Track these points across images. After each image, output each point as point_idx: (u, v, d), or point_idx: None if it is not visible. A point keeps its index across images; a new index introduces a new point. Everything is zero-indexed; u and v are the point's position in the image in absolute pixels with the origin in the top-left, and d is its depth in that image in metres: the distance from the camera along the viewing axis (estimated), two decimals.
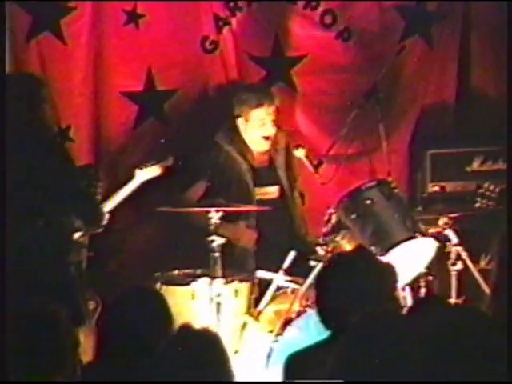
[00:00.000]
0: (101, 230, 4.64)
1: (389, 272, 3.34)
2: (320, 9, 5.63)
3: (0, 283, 3.84)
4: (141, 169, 5.06)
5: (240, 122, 5.18)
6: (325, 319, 3.34)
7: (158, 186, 5.15)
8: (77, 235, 4.58)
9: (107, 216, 4.72)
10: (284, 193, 5.24)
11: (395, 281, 3.37)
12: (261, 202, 5.14)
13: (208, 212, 4.72)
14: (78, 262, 4.62)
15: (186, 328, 2.98)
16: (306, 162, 5.15)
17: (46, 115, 4.43)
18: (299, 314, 4.55)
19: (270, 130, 5.14)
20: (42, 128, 4.42)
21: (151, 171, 5.07)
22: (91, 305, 5.16)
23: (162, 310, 3.26)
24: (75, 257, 4.57)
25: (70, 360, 3.01)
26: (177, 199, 5.08)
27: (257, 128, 5.14)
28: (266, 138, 5.16)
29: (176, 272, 4.89)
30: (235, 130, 5.21)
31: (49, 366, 2.92)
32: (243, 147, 5.20)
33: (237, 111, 5.20)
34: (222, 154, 5.18)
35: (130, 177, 5.10)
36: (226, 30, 5.61)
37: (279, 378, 3.44)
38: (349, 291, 3.24)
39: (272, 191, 5.23)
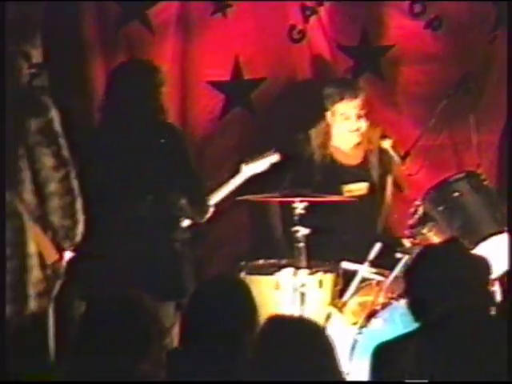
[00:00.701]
0: (203, 219, 4.68)
1: (482, 265, 3.26)
2: None
3: (0, 283, 3.94)
4: (247, 164, 5.06)
5: (328, 116, 5.15)
6: (414, 312, 3.28)
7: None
8: (185, 223, 4.66)
9: (211, 209, 4.75)
10: (373, 189, 5.17)
11: (488, 275, 3.28)
12: (352, 205, 5.07)
13: (292, 202, 4.70)
14: (183, 240, 4.69)
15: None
16: (393, 154, 5.08)
17: (162, 99, 4.59)
18: (384, 306, 4.50)
19: (356, 124, 5.09)
20: (159, 110, 4.58)
21: (257, 166, 5.07)
22: None
23: (247, 300, 3.25)
24: (180, 234, 4.62)
25: (155, 347, 3.03)
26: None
27: (341, 122, 5.11)
28: (355, 131, 5.10)
29: (261, 262, 4.89)
30: (326, 124, 5.17)
31: (133, 352, 2.94)
32: (329, 143, 5.14)
33: (325, 105, 5.17)
34: (309, 150, 5.14)
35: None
36: (313, 18, 5.57)
37: (364, 368, 3.40)
38: (440, 284, 3.17)
39: (360, 188, 5.16)
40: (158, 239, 4.53)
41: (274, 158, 5.08)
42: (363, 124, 5.11)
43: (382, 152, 5.18)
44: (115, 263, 4.42)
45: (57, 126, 4.13)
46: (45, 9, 5.18)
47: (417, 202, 4.64)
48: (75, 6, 5.38)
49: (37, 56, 5.08)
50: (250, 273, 4.78)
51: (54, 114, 4.14)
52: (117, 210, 4.48)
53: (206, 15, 5.50)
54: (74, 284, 4.35)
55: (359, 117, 5.08)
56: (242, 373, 2.89)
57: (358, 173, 5.17)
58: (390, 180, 5.22)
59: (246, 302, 3.24)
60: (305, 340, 2.89)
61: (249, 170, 5.06)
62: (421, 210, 4.62)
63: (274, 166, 5.05)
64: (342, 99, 5.06)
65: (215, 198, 4.91)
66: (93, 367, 2.91)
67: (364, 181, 5.17)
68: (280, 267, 4.78)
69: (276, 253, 5.06)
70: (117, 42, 5.46)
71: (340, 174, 5.15)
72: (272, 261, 4.89)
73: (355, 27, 5.57)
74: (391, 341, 3.31)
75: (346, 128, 5.12)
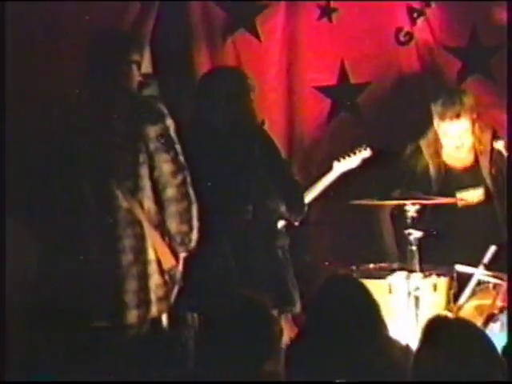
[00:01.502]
0: (299, 220, 4.66)
1: None
2: None
3: (0, 283, 3.97)
4: (339, 161, 5.03)
5: (436, 128, 5.05)
6: None
7: (356, 178, 5.12)
8: (281, 223, 4.65)
9: (307, 207, 4.73)
10: (489, 194, 5.06)
11: None
12: (465, 207, 4.97)
13: (404, 205, 4.64)
14: (284, 247, 4.67)
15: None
16: (506, 154, 4.97)
17: (252, 104, 4.58)
18: (502, 309, 4.39)
19: (459, 141, 4.97)
20: (251, 116, 4.58)
21: (349, 163, 5.03)
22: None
23: (366, 300, 3.22)
24: (282, 241, 4.62)
25: (278, 347, 3.03)
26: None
27: (446, 139, 5.00)
28: (459, 147, 5.00)
29: (372, 265, 4.84)
30: (434, 132, 5.08)
31: (259, 354, 2.93)
32: (441, 151, 5.05)
33: (433, 118, 5.05)
34: (422, 160, 5.06)
35: (326, 169, 5.09)
36: (420, 20, 5.50)
37: None
38: None
39: (476, 194, 5.04)
40: (261, 247, 4.50)
41: (366, 153, 5.03)
42: (467, 141, 4.98)
43: (494, 153, 5.06)
44: (221, 274, 4.40)
45: (173, 132, 4.18)
46: (156, 17, 5.27)
47: None
48: (183, 15, 5.46)
49: (146, 66, 5.18)
50: (362, 277, 4.72)
51: (170, 122, 4.18)
52: (218, 221, 4.43)
53: (311, 20, 5.50)
54: (186, 294, 4.35)
55: (460, 138, 4.96)
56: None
57: (470, 177, 5.06)
58: (503, 181, 5.10)
59: (365, 302, 3.21)
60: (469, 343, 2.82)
61: (341, 166, 5.02)
62: None
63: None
64: (444, 118, 4.95)
65: (309, 197, 4.88)
66: (219, 370, 2.92)
67: (477, 185, 5.05)
68: (391, 271, 4.72)
69: (386, 257, 5.01)
70: (224, 50, 5.51)
71: (454, 179, 5.04)
72: (383, 264, 4.84)
73: (464, 27, 5.48)
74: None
75: (450, 144, 5.02)
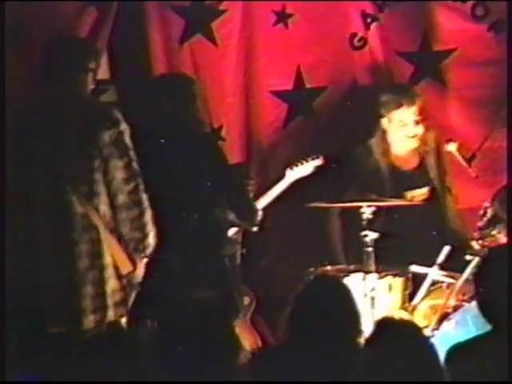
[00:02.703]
0: (256, 227, 4.70)
1: None
2: (471, 1, 5.54)
3: (0, 283, 4.00)
4: (291, 168, 5.11)
5: (384, 122, 5.16)
6: (486, 314, 3.27)
7: (309, 182, 5.19)
8: (232, 231, 4.68)
9: (261, 213, 4.78)
10: (435, 193, 5.16)
11: None
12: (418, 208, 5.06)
13: (360, 207, 4.72)
14: (232, 255, 4.71)
15: None
16: (458, 157, 5.08)
17: (199, 112, 4.58)
18: (455, 308, 4.49)
19: (414, 130, 5.09)
20: (197, 124, 4.58)
21: (302, 170, 5.11)
22: (245, 300, 5.26)
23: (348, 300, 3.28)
24: (229, 250, 4.66)
25: (236, 351, 3.05)
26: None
27: (398, 129, 5.10)
28: (412, 137, 5.10)
29: (329, 268, 4.91)
30: (382, 131, 5.18)
31: (217, 356, 2.97)
32: (390, 150, 5.14)
33: (381, 112, 5.18)
34: (372, 160, 5.15)
35: (280, 175, 5.15)
36: (374, 26, 5.60)
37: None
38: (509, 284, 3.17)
39: (422, 193, 5.15)
40: (206, 257, 4.50)
41: (318, 161, 5.11)
42: (420, 129, 5.10)
43: (442, 155, 5.17)
44: (167, 282, 4.40)
45: (127, 138, 4.18)
46: (113, 24, 5.29)
47: (486, 204, 4.63)
48: (140, 21, 5.50)
49: (103, 72, 5.20)
50: None
51: (125, 127, 4.19)
52: (165, 230, 4.37)
53: (268, 26, 5.57)
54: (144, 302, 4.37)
55: (416, 123, 5.08)
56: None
57: (418, 177, 5.16)
58: (449, 181, 5.21)
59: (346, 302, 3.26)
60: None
61: (293, 174, 5.09)
62: (490, 212, 4.60)
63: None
64: (400, 106, 5.07)
65: (262, 203, 4.94)
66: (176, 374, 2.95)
67: (425, 185, 5.16)
68: (349, 272, 4.80)
69: (341, 260, 5.08)
70: (181, 55, 5.55)
71: (402, 180, 5.15)
72: (340, 266, 4.91)
73: (416, 33, 5.59)
74: (465, 343, 3.30)
75: (403, 134, 5.11)
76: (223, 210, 4.55)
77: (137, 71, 5.48)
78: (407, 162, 5.18)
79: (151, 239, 4.19)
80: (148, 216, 4.18)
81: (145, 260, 4.23)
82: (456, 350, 3.30)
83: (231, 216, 4.54)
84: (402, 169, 5.16)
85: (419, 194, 5.14)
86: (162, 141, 4.51)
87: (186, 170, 4.50)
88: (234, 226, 4.67)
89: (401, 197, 5.07)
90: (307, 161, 5.13)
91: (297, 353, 3.14)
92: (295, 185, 5.18)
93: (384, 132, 5.15)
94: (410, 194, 5.14)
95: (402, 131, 5.10)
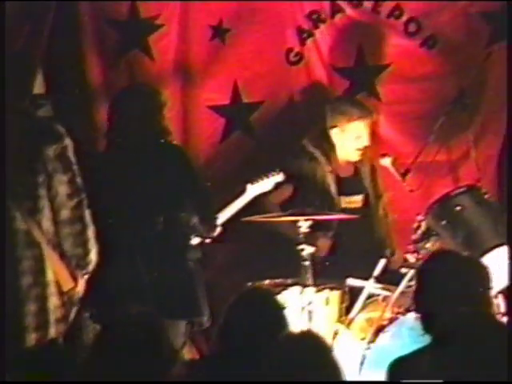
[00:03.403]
0: (211, 235, 4.73)
1: (484, 272, 3.33)
2: (404, 17, 5.64)
3: (1, 290, 3.99)
4: (252, 183, 5.13)
5: (335, 132, 5.20)
6: (424, 325, 3.33)
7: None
8: (195, 240, 4.71)
9: (219, 228, 4.81)
10: (368, 202, 5.23)
11: (489, 281, 3.35)
12: (346, 211, 5.15)
13: (297, 221, 4.76)
14: (197, 259, 4.74)
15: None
16: (393, 171, 5.15)
17: (165, 121, 4.67)
18: (391, 321, 4.55)
19: (365, 143, 5.16)
20: (163, 132, 4.65)
21: (262, 186, 5.13)
22: None
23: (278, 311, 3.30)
24: (194, 254, 4.68)
25: (169, 365, 3.05)
26: (261, 203, 5.12)
27: (352, 140, 5.16)
28: (359, 150, 5.18)
29: (267, 282, 4.93)
30: (325, 139, 5.22)
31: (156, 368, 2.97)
32: (331, 156, 5.22)
33: (332, 121, 5.21)
34: (309, 160, 5.20)
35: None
36: (309, 41, 5.66)
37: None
38: (445, 294, 3.23)
39: (357, 200, 5.23)
40: (172, 259, 4.58)
41: (279, 177, 5.15)
42: (368, 143, 5.19)
43: (375, 168, 5.25)
44: (130, 284, 4.46)
45: (71, 153, 4.17)
46: (48, 38, 5.25)
47: (420, 217, 4.70)
48: (75, 35, 5.47)
49: (39, 87, 5.17)
50: None
51: (68, 142, 4.18)
52: (130, 233, 4.52)
53: (204, 40, 5.59)
54: (87, 309, 4.38)
55: (369, 136, 5.17)
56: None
57: (353, 184, 5.23)
58: (385, 196, 5.28)
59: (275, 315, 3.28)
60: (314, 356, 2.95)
61: (254, 189, 5.12)
62: (424, 225, 4.68)
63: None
64: (360, 118, 5.13)
65: (222, 218, 4.97)
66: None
67: (359, 192, 5.23)
68: (286, 286, 4.83)
69: (280, 273, 5.11)
70: (118, 69, 5.54)
71: (339, 186, 5.20)
72: (278, 280, 4.94)
73: (351, 48, 5.67)
74: (405, 356, 3.35)
75: (354, 145, 5.18)
76: (188, 214, 4.59)
77: (73, 85, 5.45)
78: (344, 169, 5.24)
79: (93, 255, 4.19)
80: (90, 232, 4.17)
81: (86, 276, 4.21)
82: (397, 363, 3.34)
83: (195, 221, 4.60)
84: (340, 175, 5.22)
85: (354, 200, 5.21)
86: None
87: (154, 175, 4.57)
88: (195, 232, 4.69)
89: (335, 202, 5.11)
90: (268, 176, 5.16)
91: (226, 363, 3.15)
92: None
93: (331, 144, 5.20)
94: (345, 200, 5.20)
95: (354, 143, 5.17)
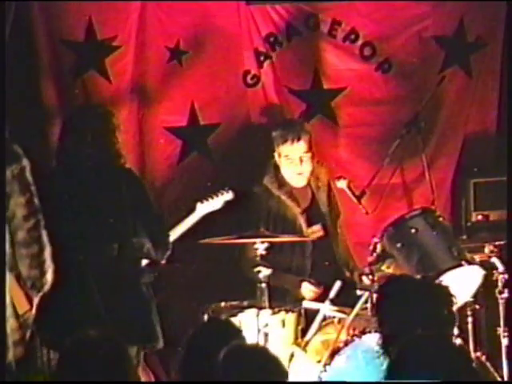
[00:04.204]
0: (164, 258, 4.70)
1: (442, 293, 3.37)
2: (359, 41, 5.70)
3: (1, 290, 3.94)
4: (202, 202, 5.12)
5: (276, 158, 5.20)
6: (385, 348, 3.34)
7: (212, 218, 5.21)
8: (144, 262, 4.68)
9: (171, 246, 4.79)
10: (327, 229, 5.22)
11: (451, 301, 3.38)
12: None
13: (254, 243, 4.76)
14: (150, 283, 4.71)
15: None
16: (349, 193, 5.17)
17: (118, 144, 4.60)
18: (347, 343, 4.56)
19: (300, 168, 5.10)
20: (116, 155, 4.59)
21: (211, 205, 5.13)
22: None
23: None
24: (147, 278, 4.65)
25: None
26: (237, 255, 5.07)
27: (287, 165, 5.13)
28: (299, 174, 5.14)
29: (223, 304, 4.93)
30: (275, 167, 5.20)
31: None
32: (285, 186, 5.16)
33: (274, 148, 5.21)
34: (273, 199, 5.15)
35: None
36: (266, 64, 5.70)
37: None
38: (403, 316, 3.25)
39: (317, 230, 5.20)
40: (126, 285, 4.53)
41: (228, 196, 5.15)
42: (307, 168, 5.12)
43: (332, 191, 5.25)
44: (86, 310, 4.40)
45: (29, 173, 4.12)
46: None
47: (375, 240, 4.73)
48: (31, 55, 5.45)
49: None
50: (214, 315, 4.81)
51: (26, 162, 4.12)
52: (83, 257, 4.46)
53: (162, 62, 5.60)
54: (41, 333, 4.33)
55: (301, 160, 5.10)
56: None
57: (311, 214, 5.22)
58: (340, 218, 5.29)
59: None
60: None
61: (203, 208, 5.12)
62: (379, 247, 4.71)
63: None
64: (285, 141, 5.09)
65: (172, 237, 4.94)
66: None
67: (318, 221, 5.22)
68: (243, 308, 4.82)
69: (237, 295, 5.10)
70: (74, 90, 5.52)
71: (298, 217, 5.18)
72: (234, 302, 4.93)
73: (307, 71, 5.71)
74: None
75: (291, 170, 5.15)
76: (141, 239, 4.55)
77: (28, 105, 5.41)
78: (302, 197, 5.22)
79: (49, 276, 4.13)
80: (47, 253, 4.12)
81: (39, 298, 4.16)
82: None
83: (148, 246, 4.56)
84: (298, 204, 5.18)
85: (314, 230, 5.19)
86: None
87: (107, 200, 4.52)
88: (147, 256, 4.65)
89: (299, 232, 5.10)
90: (217, 195, 5.15)
91: None
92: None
93: (276, 167, 5.21)
94: (310, 230, 5.17)
95: (289, 167, 5.13)
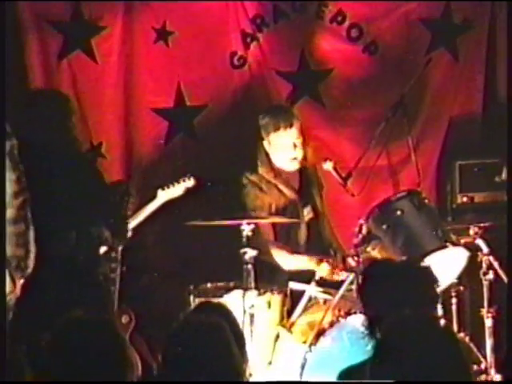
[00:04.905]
0: (122, 245, 4.66)
1: (426, 274, 3.39)
2: (346, 23, 5.70)
3: (1, 290, 3.93)
4: (163, 189, 5.13)
5: (265, 144, 5.14)
6: (371, 329, 3.36)
7: (191, 200, 5.21)
8: (103, 249, 4.65)
9: (130, 232, 4.76)
10: (317, 211, 5.23)
11: (433, 282, 3.40)
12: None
13: (240, 225, 4.76)
14: (109, 272, 4.68)
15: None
16: (335, 175, 5.17)
17: (75, 130, 4.51)
18: (332, 324, 4.58)
19: (294, 154, 5.08)
20: (72, 142, 4.51)
21: (173, 192, 5.14)
22: (124, 319, 5.23)
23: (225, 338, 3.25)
24: (104, 268, 4.63)
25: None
26: None
27: (279, 151, 5.09)
28: (293, 159, 5.12)
29: (209, 285, 4.94)
30: (266, 154, 5.13)
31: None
32: (284, 175, 5.11)
33: (261, 134, 5.15)
34: (272, 188, 5.07)
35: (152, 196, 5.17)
36: (253, 45, 5.69)
37: None
38: (388, 298, 3.28)
39: (308, 212, 5.18)
40: (84, 275, 4.44)
41: (190, 183, 5.16)
42: (300, 152, 5.10)
43: (320, 172, 5.25)
44: (44, 303, 4.28)
45: (16, 152, 4.07)
46: None
47: (361, 221, 4.74)
48: (16, 36, 5.42)
49: None
50: (199, 296, 4.83)
51: (14, 141, 4.07)
52: (44, 248, 4.24)
53: (148, 43, 5.58)
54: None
55: (295, 146, 5.07)
56: None
57: (302, 195, 5.22)
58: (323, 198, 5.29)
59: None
60: None
61: (165, 195, 5.13)
62: (365, 229, 4.72)
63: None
64: (277, 129, 5.04)
65: (133, 223, 4.94)
66: None
67: (308, 203, 5.22)
68: (228, 289, 4.83)
69: (222, 276, 5.10)
70: (59, 70, 5.50)
71: (295, 202, 5.15)
72: (220, 284, 4.94)
73: (294, 53, 5.70)
74: (353, 366, 3.37)
75: (284, 157, 5.11)
76: (98, 227, 4.51)
77: (14, 86, 5.39)
78: (293, 180, 5.18)
79: (32, 259, 4.10)
80: (31, 233, 4.08)
81: (22, 281, 4.14)
82: (344, 373, 3.35)
83: (106, 234, 4.51)
84: (294, 190, 5.16)
85: (306, 213, 5.19)
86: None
87: (64, 188, 4.41)
88: (105, 244, 4.62)
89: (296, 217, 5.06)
90: (178, 182, 5.16)
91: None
92: (175, 203, 5.19)
93: (267, 155, 5.15)
94: (301, 215, 5.17)
95: (282, 154, 5.09)
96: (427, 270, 3.48)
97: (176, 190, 5.13)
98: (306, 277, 4.82)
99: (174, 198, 5.15)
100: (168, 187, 5.14)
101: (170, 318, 3.41)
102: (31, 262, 4.10)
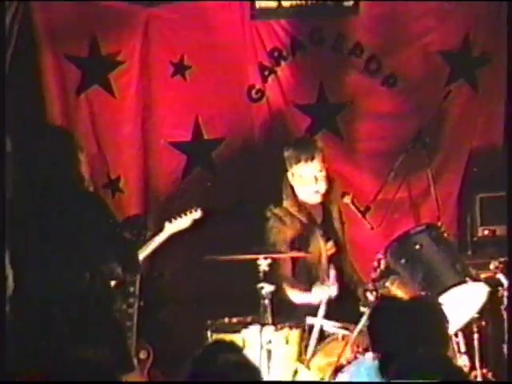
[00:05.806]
0: (135, 277, 4.64)
1: (439, 315, 3.33)
2: (364, 55, 5.68)
3: (1, 290, 3.90)
4: (170, 222, 5.11)
5: (289, 176, 5.12)
6: (382, 366, 3.31)
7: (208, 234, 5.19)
8: (113, 282, 4.61)
9: (141, 266, 4.73)
10: (339, 245, 5.15)
11: (445, 323, 3.34)
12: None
13: (256, 259, 4.73)
14: (126, 307, 4.64)
15: None
16: (353, 208, 5.13)
17: (80, 167, 4.35)
18: (350, 360, 4.51)
19: (316, 187, 5.04)
20: (79, 179, 4.35)
21: (180, 224, 5.12)
22: (143, 354, 5.19)
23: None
24: (119, 304, 4.60)
25: None
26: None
27: (302, 184, 5.06)
28: (315, 192, 5.08)
29: (226, 320, 4.89)
30: (290, 187, 5.09)
31: None
32: (307, 210, 5.06)
33: (286, 166, 5.12)
34: (296, 223, 5.03)
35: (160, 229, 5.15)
36: (271, 78, 5.68)
37: None
38: (399, 336, 3.22)
39: (331, 246, 5.12)
40: (99, 314, 4.31)
41: (197, 214, 5.13)
42: (323, 186, 5.07)
43: (341, 206, 5.20)
44: (58, 341, 4.17)
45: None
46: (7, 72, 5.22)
47: (379, 256, 4.69)
48: (35, 70, 5.45)
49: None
50: (217, 331, 4.78)
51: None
52: (54, 287, 4.22)
53: (166, 77, 5.59)
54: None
55: (317, 179, 5.04)
56: None
57: (325, 230, 5.16)
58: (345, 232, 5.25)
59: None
60: None
61: (172, 227, 5.10)
62: (383, 264, 4.67)
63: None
64: (298, 161, 5.02)
65: (141, 255, 4.90)
66: None
67: (331, 238, 5.15)
68: (246, 324, 4.78)
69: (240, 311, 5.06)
70: (78, 105, 5.52)
71: (318, 237, 5.08)
72: (237, 318, 4.90)
73: (312, 85, 5.69)
74: None
75: (306, 190, 5.08)
76: (110, 264, 4.46)
77: (33, 121, 5.42)
78: (316, 213, 5.13)
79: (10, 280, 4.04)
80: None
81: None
82: None
83: (118, 270, 4.47)
84: (316, 223, 5.11)
85: (329, 247, 5.14)
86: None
87: (74, 227, 4.28)
88: (116, 279, 4.58)
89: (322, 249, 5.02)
90: (186, 214, 5.13)
91: None
92: (192, 237, 5.17)
93: (292, 187, 5.11)
94: (328, 247, 5.10)
95: (305, 186, 5.05)
96: (435, 308, 3.41)
97: (183, 222, 5.11)
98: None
99: (182, 230, 5.11)
100: (175, 219, 5.12)
101: (187, 354, 3.38)
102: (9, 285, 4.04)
